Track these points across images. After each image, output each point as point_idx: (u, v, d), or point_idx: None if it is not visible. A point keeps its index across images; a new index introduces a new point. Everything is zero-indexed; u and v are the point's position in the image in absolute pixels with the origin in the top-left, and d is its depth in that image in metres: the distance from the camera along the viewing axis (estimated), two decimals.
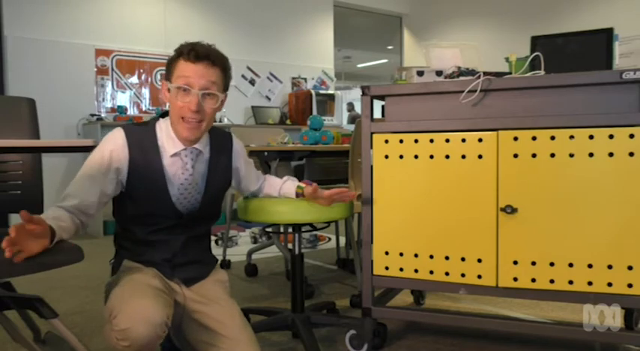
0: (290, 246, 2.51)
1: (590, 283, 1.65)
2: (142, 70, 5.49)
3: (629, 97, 1.61)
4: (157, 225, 1.53)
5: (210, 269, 1.65)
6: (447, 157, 1.80)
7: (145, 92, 5.56)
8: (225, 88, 1.53)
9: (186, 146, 1.52)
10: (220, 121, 5.63)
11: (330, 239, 4.38)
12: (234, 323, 1.47)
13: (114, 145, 1.47)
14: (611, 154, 1.60)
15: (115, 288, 1.42)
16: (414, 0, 7.66)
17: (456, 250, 1.80)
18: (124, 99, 5.43)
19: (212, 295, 1.54)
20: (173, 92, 1.46)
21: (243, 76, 6.20)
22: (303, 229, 2.03)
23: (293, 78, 6.63)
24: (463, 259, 1.79)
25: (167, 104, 1.53)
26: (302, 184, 1.82)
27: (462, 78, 1.81)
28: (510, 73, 1.87)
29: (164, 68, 1.75)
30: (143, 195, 1.50)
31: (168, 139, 1.52)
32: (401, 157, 1.86)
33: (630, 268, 1.60)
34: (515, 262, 1.72)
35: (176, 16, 5.72)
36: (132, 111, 5.44)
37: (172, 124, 1.51)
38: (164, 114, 1.56)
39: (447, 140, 1.80)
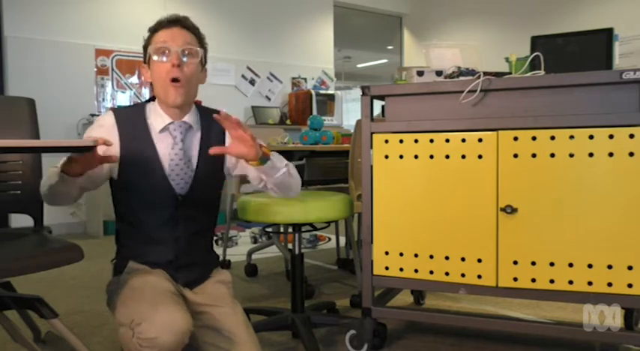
0: (290, 246, 2.51)
1: (590, 283, 1.65)
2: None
3: (629, 97, 1.61)
4: (155, 213, 1.51)
5: (212, 269, 1.64)
6: (447, 157, 1.80)
7: (145, 92, 5.56)
8: (203, 51, 1.56)
9: (173, 120, 1.52)
10: None
11: (330, 239, 4.38)
12: (237, 325, 1.47)
13: (102, 126, 1.51)
14: (611, 154, 1.60)
15: (127, 291, 1.41)
16: (414, 0, 7.66)
17: (456, 250, 1.80)
18: (124, 99, 5.42)
19: (216, 296, 1.54)
20: (153, 61, 1.50)
21: (243, 76, 6.20)
22: (303, 229, 2.03)
23: (293, 78, 6.63)
24: (463, 259, 1.79)
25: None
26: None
27: (462, 78, 1.81)
28: (510, 73, 1.87)
29: None
30: (136, 173, 1.50)
31: (156, 116, 1.54)
32: (401, 157, 1.86)
33: (630, 268, 1.60)
34: (515, 262, 1.72)
35: None
36: None
37: (159, 98, 1.53)
38: (153, 98, 1.58)
39: (447, 140, 1.80)
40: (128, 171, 1.51)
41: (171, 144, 1.52)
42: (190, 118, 1.55)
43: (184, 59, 1.49)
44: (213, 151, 1.41)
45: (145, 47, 1.54)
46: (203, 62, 1.58)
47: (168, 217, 1.52)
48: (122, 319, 1.35)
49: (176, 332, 1.26)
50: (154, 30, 1.53)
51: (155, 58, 1.49)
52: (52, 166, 1.43)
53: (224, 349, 1.44)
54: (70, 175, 1.34)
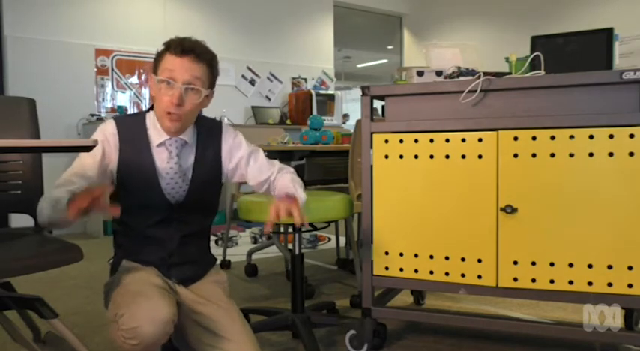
0: (290, 246, 2.51)
1: (590, 283, 1.65)
2: (141, 70, 5.49)
3: (629, 97, 1.61)
4: (149, 217, 1.53)
5: (207, 269, 1.65)
6: (447, 157, 1.80)
7: (145, 92, 5.56)
8: (210, 84, 1.54)
9: (170, 136, 1.54)
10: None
11: (330, 239, 4.38)
12: (233, 324, 1.47)
13: (104, 136, 1.52)
14: (611, 154, 1.60)
15: (117, 287, 1.42)
16: (414, 0, 7.66)
17: (456, 250, 1.80)
18: (124, 99, 5.42)
19: (210, 295, 1.54)
20: (157, 85, 1.48)
21: (243, 76, 6.20)
22: (303, 229, 2.03)
23: (293, 78, 6.63)
24: (463, 259, 1.79)
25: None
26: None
27: (462, 78, 1.81)
28: (510, 73, 1.87)
29: None
30: (133, 183, 1.52)
31: (154, 129, 1.55)
32: (401, 157, 1.86)
33: (630, 268, 1.60)
34: (515, 262, 1.72)
35: (176, 16, 5.72)
36: (132, 111, 5.44)
37: (157, 115, 1.54)
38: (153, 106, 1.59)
39: (447, 140, 1.80)
40: (125, 179, 1.53)
41: (167, 158, 1.55)
42: (187, 135, 1.57)
43: (185, 96, 1.47)
44: (267, 231, 1.45)
45: (157, 59, 1.50)
46: (211, 92, 1.55)
47: (162, 219, 1.55)
48: (111, 314, 1.36)
49: (157, 322, 1.26)
50: (167, 46, 1.48)
51: (158, 83, 1.48)
52: (50, 195, 1.38)
53: (221, 348, 1.44)
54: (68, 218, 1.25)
